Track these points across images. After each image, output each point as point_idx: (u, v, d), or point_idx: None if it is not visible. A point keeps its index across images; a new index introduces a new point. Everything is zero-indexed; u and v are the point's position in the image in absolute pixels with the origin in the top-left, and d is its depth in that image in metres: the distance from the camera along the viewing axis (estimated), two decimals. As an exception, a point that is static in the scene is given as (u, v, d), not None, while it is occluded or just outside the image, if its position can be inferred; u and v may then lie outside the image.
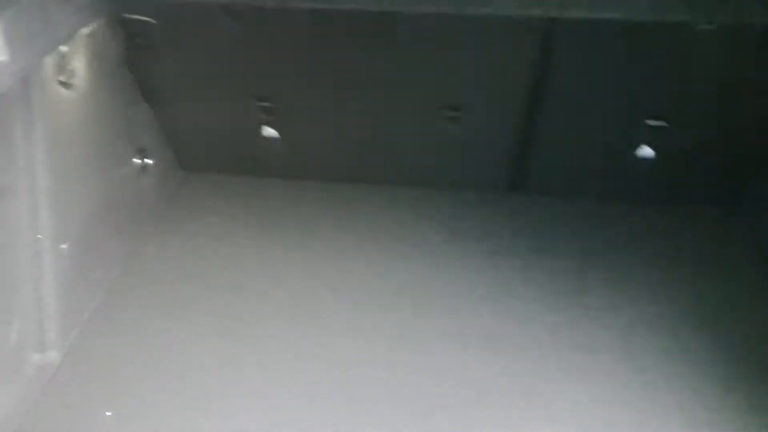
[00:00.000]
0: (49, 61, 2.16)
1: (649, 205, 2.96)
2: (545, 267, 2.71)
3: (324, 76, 2.72)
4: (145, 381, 2.27)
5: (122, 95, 2.70)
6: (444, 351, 2.39)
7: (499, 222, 2.94)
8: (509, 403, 2.22)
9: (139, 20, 2.52)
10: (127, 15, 2.51)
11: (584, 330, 2.45)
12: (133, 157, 2.80)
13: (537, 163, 2.95)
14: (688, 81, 2.56)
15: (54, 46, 2.13)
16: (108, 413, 2.15)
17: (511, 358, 2.36)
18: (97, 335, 2.42)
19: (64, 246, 2.29)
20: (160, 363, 2.33)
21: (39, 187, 2.18)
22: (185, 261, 2.76)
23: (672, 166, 2.84)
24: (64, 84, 2.25)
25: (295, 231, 2.91)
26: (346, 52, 2.64)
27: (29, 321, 2.24)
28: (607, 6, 2.37)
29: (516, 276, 2.68)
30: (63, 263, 2.30)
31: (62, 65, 2.23)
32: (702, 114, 2.65)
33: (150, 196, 2.97)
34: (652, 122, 2.71)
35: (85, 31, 2.32)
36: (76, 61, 2.30)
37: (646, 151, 2.84)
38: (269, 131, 2.98)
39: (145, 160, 2.89)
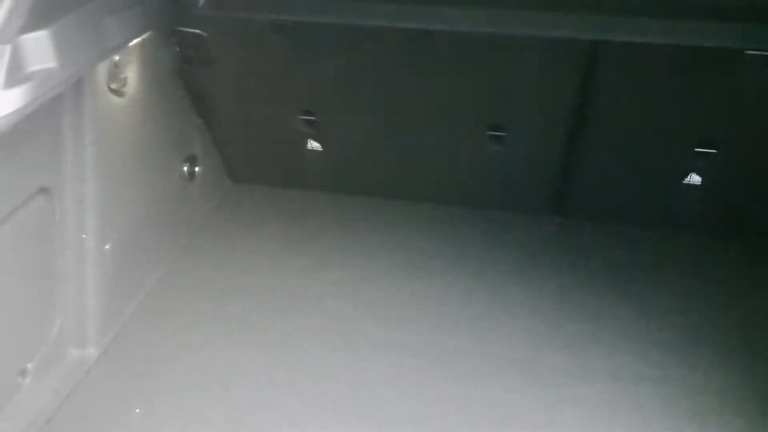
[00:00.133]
0: (102, 69, 2.26)
1: (694, 235, 2.89)
2: (579, 293, 2.67)
3: (367, 93, 2.77)
4: (177, 383, 2.32)
5: (173, 105, 2.80)
6: (473, 373, 2.37)
7: (537, 245, 2.91)
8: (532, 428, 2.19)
9: (191, 33, 2.62)
10: (179, 28, 2.61)
11: (617, 362, 2.40)
12: (182, 166, 2.90)
13: (580, 187, 2.93)
14: (738, 109, 2.50)
15: (107, 55, 2.22)
16: (137, 410, 2.21)
17: (539, 383, 2.34)
18: (135, 335, 2.49)
19: (107, 247, 2.38)
20: (193, 368, 2.38)
21: (86, 189, 2.27)
22: (226, 271, 2.82)
23: (720, 195, 2.78)
24: (116, 92, 2.35)
25: (333, 246, 2.94)
26: (389, 69, 2.68)
27: (70, 317, 2.33)
28: (652, 31, 2.35)
29: (549, 300, 2.65)
30: (105, 264, 2.39)
31: (114, 74, 2.33)
32: (751, 143, 2.58)
33: (197, 204, 3.05)
34: (699, 149, 2.66)
35: (138, 41, 2.41)
36: (129, 71, 2.40)
37: (693, 179, 2.78)
38: (314, 145, 3.05)
39: (195, 169, 2.99)
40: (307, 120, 2.93)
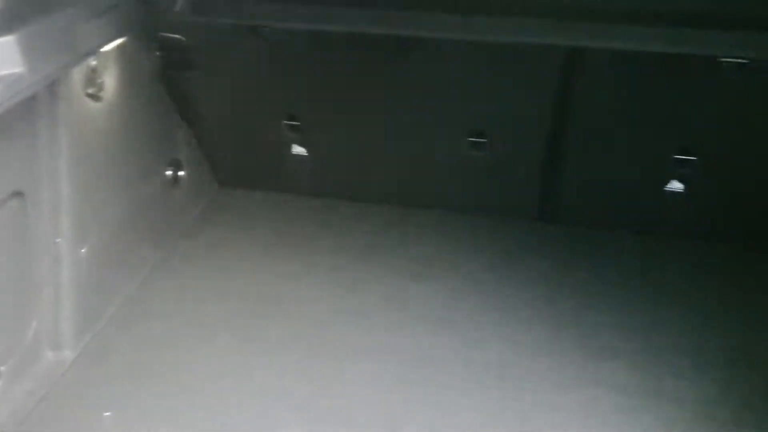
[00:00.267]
0: (78, 74, 2.28)
1: (677, 241, 2.87)
2: (562, 299, 2.66)
3: (350, 98, 2.78)
4: (151, 387, 2.32)
5: (156, 109, 2.81)
6: (453, 379, 2.36)
7: (521, 251, 2.90)
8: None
9: (171, 38, 2.64)
10: (160, 33, 2.62)
11: (596, 369, 2.38)
12: (166, 170, 2.91)
13: (564, 193, 2.92)
14: (717, 115, 2.49)
15: (81, 60, 2.24)
16: (107, 413, 2.22)
17: (517, 389, 2.33)
18: (112, 339, 2.50)
19: (83, 251, 2.40)
20: (168, 372, 2.38)
21: (61, 193, 2.29)
22: (209, 275, 2.82)
23: (702, 202, 2.76)
24: (93, 96, 2.37)
25: (318, 251, 2.94)
26: (371, 75, 2.69)
27: (46, 320, 2.34)
28: (629, 38, 2.34)
29: (531, 307, 2.64)
30: (81, 267, 2.41)
31: (91, 78, 2.34)
32: (731, 149, 2.57)
33: (182, 208, 3.07)
34: (680, 156, 2.64)
35: (115, 46, 2.43)
36: (107, 75, 2.42)
37: (675, 185, 2.76)
38: (299, 149, 3.05)
39: (179, 173, 3.00)
40: (292, 125, 2.94)
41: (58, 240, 2.32)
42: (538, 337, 2.51)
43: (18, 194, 2.15)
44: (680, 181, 2.73)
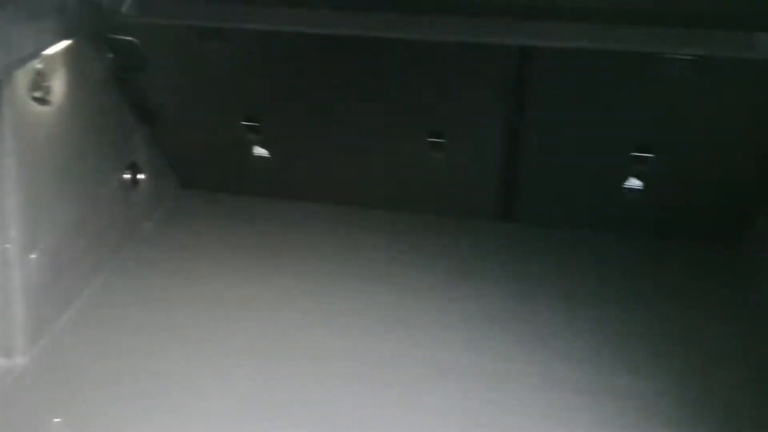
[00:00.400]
0: (22, 77, 2.25)
1: (638, 238, 2.87)
2: (521, 298, 2.65)
3: (307, 99, 2.75)
4: (104, 393, 2.30)
5: (110, 112, 2.78)
6: (413, 379, 2.35)
7: (483, 250, 2.89)
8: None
9: (122, 40, 2.61)
10: (110, 35, 2.59)
11: (550, 368, 2.38)
12: (123, 173, 2.89)
13: (525, 193, 2.91)
14: (671, 112, 2.48)
15: (24, 63, 2.21)
16: (56, 420, 2.20)
17: (474, 389, 2.32)
18: (65, 344, 2.48)
19: (32, 256, 2.37)
20: (122, 377, 2.36)
21: (7, 198, 2.26)
22: (167, 278, 2.80)
23: (660, 199, 2.75)
24: (40, 100, 2.34)
25: (279, 254, 2.92)
26: (328, 76, 2.66)
27: (-4, 326, 2.33)
28: (582, 36, 2.32)
29: (493, 306, 2.63)
30: (31, 273, 2.38)
31: (37, 82, 2.31)
32: (686, 146, 2.56)
33: (142, 211, 3.04)
34: (638, 154, 2.63)
35: (62, 49, 2.40)
36: (54, 78, 2.39)
37: (634, 183, 2.75)
38: (260, 151, 3.03)
39: (138, 176, 2.98)
40: (251, 126, 2.92)
41: (6, 245, 2.29)
42: (501, 337, 2.50)
43: (-38, 200, 2.14)
44: (638, 178, 2.72)
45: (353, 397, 2.29)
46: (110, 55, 2.67)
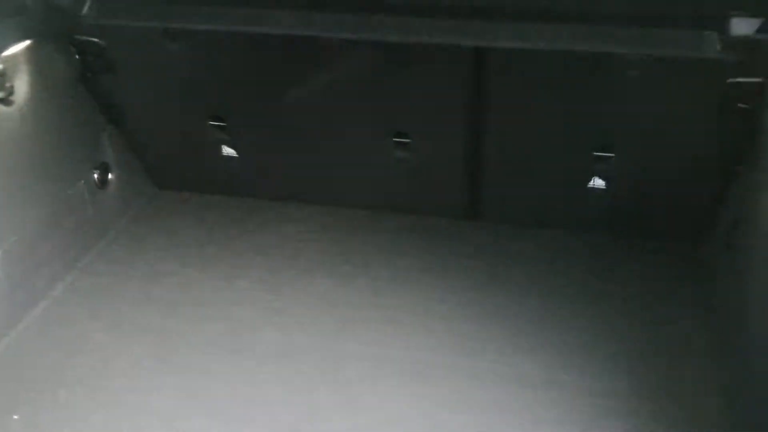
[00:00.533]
0: (-19, 79, 2.28)
1: (602, 237, 2.88)
2: (482, 296, 2.67)
3: (271, 99, 2.77)
4: (63, 391, 2.32)
5: (77, 113, 2.81)
6: (365, 377, 2.37)
7: (447, 248, 2.91)
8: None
9: (88, 41, 2.63)
10: (76, 36, 2.62)
11: (510, 364, 2.40)
12: (91, 173, 2.91)
13: (489, 192, 2.92)
14: (626, 112, 2.49)
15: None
16: (15, 417, 2.22)
17: (430, 386, 2.33)
18: (30, 342, 2.50)
19: None
20: (82, 376, 2.38)
21: None
22: (135, 278, 2.82)
23: (623, 197, 2.77)
24: (2, 100, 2.37)
25: (247, 253, 2.93)
26: (292, 76, 2.69)
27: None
28: (533, 36, 2.34)
29: (451, 303, 2.65)
30: None
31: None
32: (645, 145, 2.57)
33: (112, 211, 3.06)
34: (599, 153, 2.65)
35: (25, 50, 2.43)
36: (17, 79, 2.42)
37: (598, 182, 2.77)
38: (229, 150, 3.06)
39: (108, 176, 3.00)
40: (218, 126, 2.94)
41: None
42: (458, 333, 2.52)
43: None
44: (601, 177, 2.73)
45: (316, 394, 2.31)
46: (77, 56, 2.70)
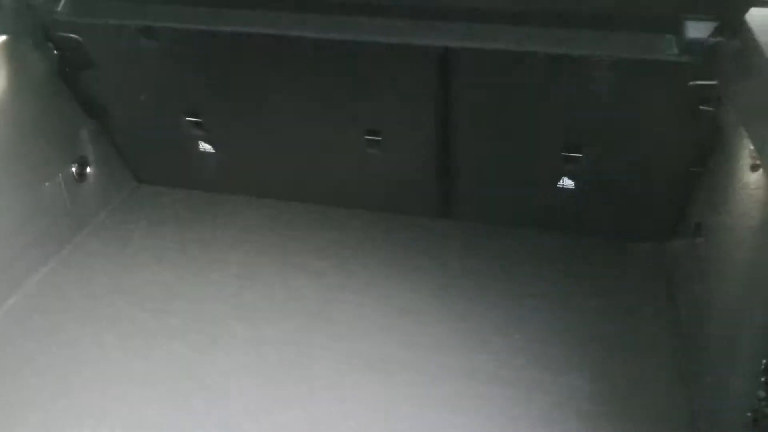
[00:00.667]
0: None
1: (572, 236, 2.92)
2: (450, 293, 2.70)
3: (245, 97, 2.81)
4: (35, 380, 2.37)
5: (54, 107, 2.85)
6: (327, 371, 2.41)
7: (418, 246, 2.94)
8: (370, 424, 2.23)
9: (66, 37, 2.67)
10: (54, 32, 2.66)
11: (472, 361, 2.44)
12: (69, 167, 2.95)
13: (461, 190, 2.95)
14: (592, 113, 2.52)
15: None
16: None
17: (391, 381, 2.37)
18: (2, 333, 2.55)
19: None
20: (53, 365, 2.43)
21: None
22: (110, 270, 2.86)
23: (591, 198, 2.80)
24: (-24, 96, 2.41)
25: (221, 248, 2.98)
26: (265, 74, 2.72)
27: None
28: (501, 38, 2.37)
29: (419, 300, 2.68)
30: None
31: (-28, 77, 2.39)
32: (611, 146, 2.60)
33: (91, 205, 3.11)
34: (567, 153, 2.68)
35: (2, 45, 2.47)
36: (-8, 75, 2.47)
37: (567, 183, 2.80)
38: (206, 146, 3.09)
39: (87, 170, 3.04)
40: (195, 122, 2.98)
41: None
42: (424, 329, 2.56)
43: None
44: (570, 177, 2.76)
45: (279, 386, 2.35)
46: (56, 52, 2.74)
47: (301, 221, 3.10)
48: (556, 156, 2.69)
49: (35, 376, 2.39)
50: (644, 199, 2.73)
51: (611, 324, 2.56)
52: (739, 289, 2.03)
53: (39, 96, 2.76)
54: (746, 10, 2.01)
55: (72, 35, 2.67)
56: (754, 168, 2.04)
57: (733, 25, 2.04)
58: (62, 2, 2.57)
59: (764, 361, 1.71)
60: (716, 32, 2.10)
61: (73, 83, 2.88)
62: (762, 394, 1.71)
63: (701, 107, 2.30)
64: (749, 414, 1.75)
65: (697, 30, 2.13)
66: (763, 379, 1.71)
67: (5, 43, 2.51)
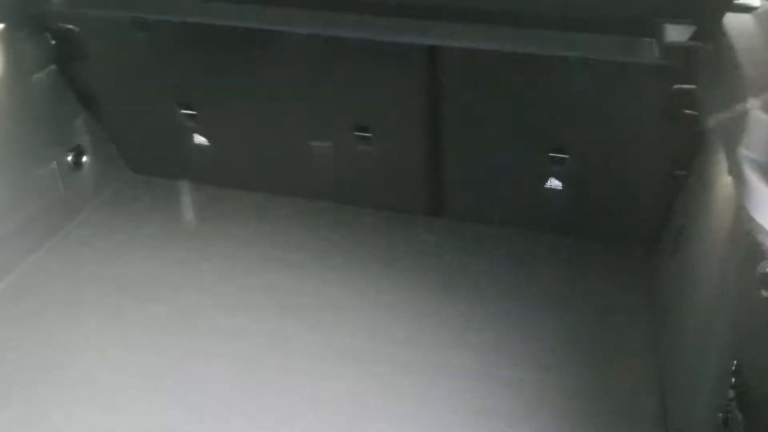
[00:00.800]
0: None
1: (560, 237, 2.94)
2: (431, 289, 2.73)
3: (239, 90, 2.85)
4: (16, 365, 2.41)
5: (50, 97, 2.89)
6: (300, 363, 2.44)
7: (403, 244, 2.97)
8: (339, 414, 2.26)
9: (63, 28, 2.72)
10: (53, 23, 2.71)
11: (445, 356, 2.46)
12: (64, 156, 2.99)
13: (451, 189, 2.98)
14: (576, 114, 2.54)
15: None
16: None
17: (362, 373, 2.40)
18: None
19: None
20: (34, 351, 2.47)
21: None
22: (98, 258, 2.89)
23: (578, 199, 2.81)
24: (-28, 82, 2.46)
25: (207, 239, 3.01)
26: (257, 68, 2.76)
27: None
28: (487, 38, 2.40)
29: (399, 295, 2.71)
30: None
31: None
32: (597, 147, 2.62)
33: (84, 194, 3.15)
34: (554, 154, 2.70)
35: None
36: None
37: (554, 183, 2.82)
38: (200, 139, 3.13)
39: (82, 159, 3.09)
40: (189, 114, 3.02)
41: None
42: (400, 323, 2.59)
43: None
44: (557, 178, 2.78)
45: (252, 374, 2.38)
46: (53, 42, 2.79)
47: (287, 215, 3.13)
48: (543, 156, 2.71)
49: (17, 360, 2.43)
50: (629, 202, 2.74)
51: (592, 324, 2.57)
52: (713, 291, 2.04)
53: (36, 85, 2.80)
54: (723, 14, 2.02)
55: (68, 26, 2.72)
56: (730, 172, 2.05)
57: (711, 29, 2.06)
58: None
59: (734, 362, 1.72)
60: (694, 36, 2.12)
61: (70, 74, 2.93)
62: (732, 394, 1.72)
63: (684, 111, 2.32)
64: (720, 415, 1.76)
65: (677, 34, 2.15)
66: (733, 380, 1.72)
67: (2, 32, 2.55)
